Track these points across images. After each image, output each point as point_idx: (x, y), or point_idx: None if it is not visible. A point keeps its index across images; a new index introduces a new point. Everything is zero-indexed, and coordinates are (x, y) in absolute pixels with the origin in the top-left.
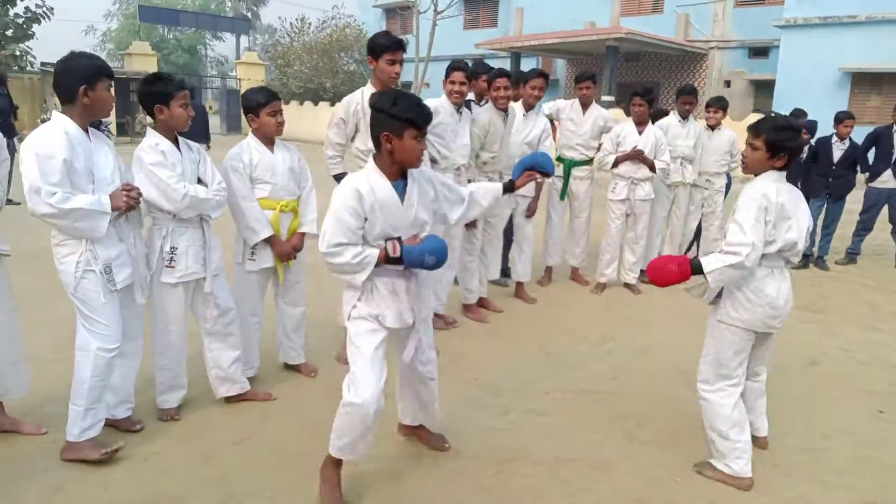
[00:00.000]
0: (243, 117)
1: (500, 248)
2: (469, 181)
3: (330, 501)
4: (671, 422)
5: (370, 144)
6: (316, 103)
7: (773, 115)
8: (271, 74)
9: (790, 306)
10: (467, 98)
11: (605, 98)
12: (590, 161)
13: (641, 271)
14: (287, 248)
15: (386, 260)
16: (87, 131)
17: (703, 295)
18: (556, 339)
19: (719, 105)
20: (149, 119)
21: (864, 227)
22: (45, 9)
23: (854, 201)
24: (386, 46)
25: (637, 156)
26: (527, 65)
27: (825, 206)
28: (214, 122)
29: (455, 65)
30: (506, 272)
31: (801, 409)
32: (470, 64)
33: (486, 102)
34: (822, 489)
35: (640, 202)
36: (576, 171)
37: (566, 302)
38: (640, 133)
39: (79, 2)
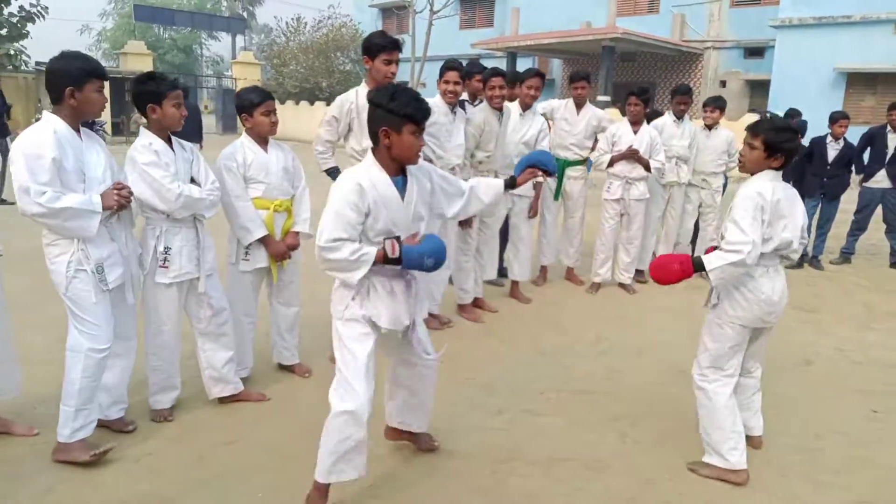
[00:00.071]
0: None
1: (496, 247)
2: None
3: None
4: (665, 421)
5: (365, 144)
6: (312, 103)
7: (768, 114)
8: (267, 74)
9: (785, 302)
10: (461, 98)
11: (601, 98)
12: (584, 161)
13: (637, 271)
14: (282, 248)
15: (384, 260)
16: (78, 131)
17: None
18: (551, 339)
19: (716, 105)
20: (144, 119)
21: (859, 226)
22: (39, 8)
23: (848, 201)
24: (382, 46)
25: (632, 155)
26: (523, 65)
27: (820, 205)
28: (210, 122)
29: (449, 64)
30: (503, 272)
31: (796, 409)
32: (464, 64)
33: (480, 102)
34: (816, 488)
35: (635, 202)
36: (570, 171)
37: (561, 302)
38: (635, 133)
39: (74, 1)
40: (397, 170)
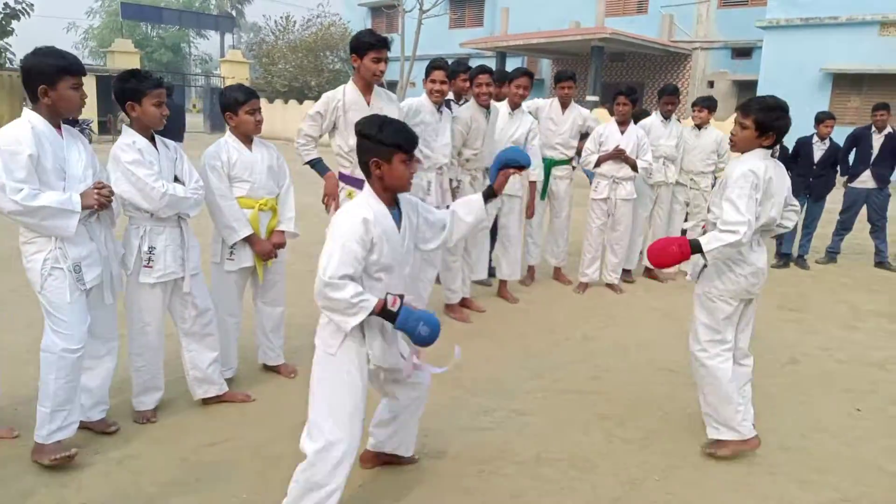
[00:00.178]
0: None
1: (486, 248)
2: (451, 180)
3: None
4: (651, 420)
5: (351, 143)
6: (301, 102)
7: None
8: (256, 73)
9: (766, 273)
10: (447, 98)
11: (589, 98)
12: (569, 160)
13: (624, 270)
14: (268, 247)
15: (381, 312)
16: (58, 128)
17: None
18: (539, 339)
19: (704, 104)
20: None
21: (844, 226)
22: (24, 5)
23: (834, 201)
24: (371, 44)
25: (619, 155)
26: (512, 64)
27: (805, 205)
28: (198, 121)
29: (436, 63)
30: (492, 272)
31: (781, 408)
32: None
33: (466, 102)
34: (802, 487)
35: (622, 202)
36: (556, 171)
37: (549, 301)
38: (622, 133)
39: None
40: (391, 200)
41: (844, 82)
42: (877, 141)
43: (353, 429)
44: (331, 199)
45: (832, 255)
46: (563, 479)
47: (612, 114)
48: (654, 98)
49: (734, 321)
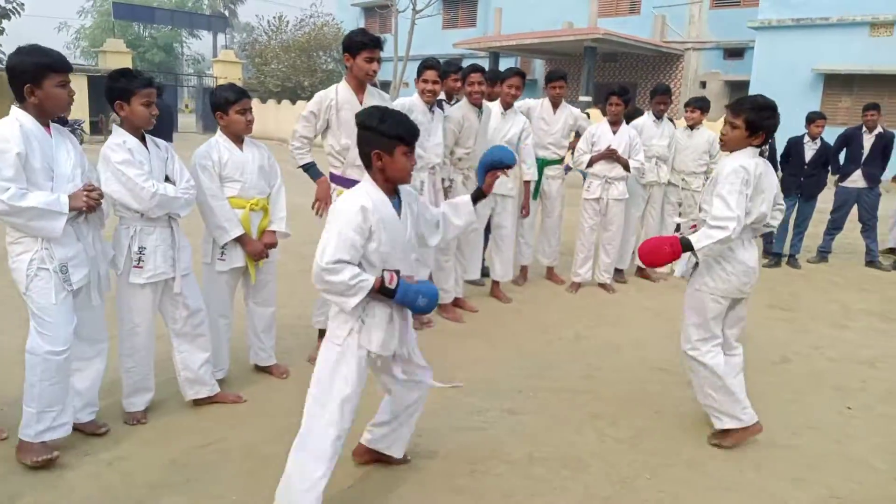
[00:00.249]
0: None
1: (479, 248)
2: (443, 180)
3: None
4: (643, 419)
5: (343, 142)
6: (294, 102)
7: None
8: (248, 73)
9: (757, 272)
10: (438, 98)
11: (582, 98)
12: (561, 160)
13: (617, 270)
14: (259, 247)
15: (380, 289)
16: (47, 127)
17: (685, 274)
18: (531, 338)
19: (697, 105)
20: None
21: (835, 226)
22: (14, 4)
23: (825, 201)
24: (363, 44)
25: (611, 155)
26: (505, 65)
27: (797, 205)
28: (190, 122)
29: (427, 63)
30: (485, 272)
31: (772, 405)
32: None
33: (456, 102)
34: (792, 485)
35: (614, 202)
36: (548, 171)
37: (541, 301)
38: (614, 133)
39: None
40: (391, 191)
41: (835, 83)
42: (867, 141)
43: (344, 414)
44: (322, 204)
45: (823, 254)
46: (554, 478)
47: (605, 114)
48: (647, 98)
49: (720, 321)
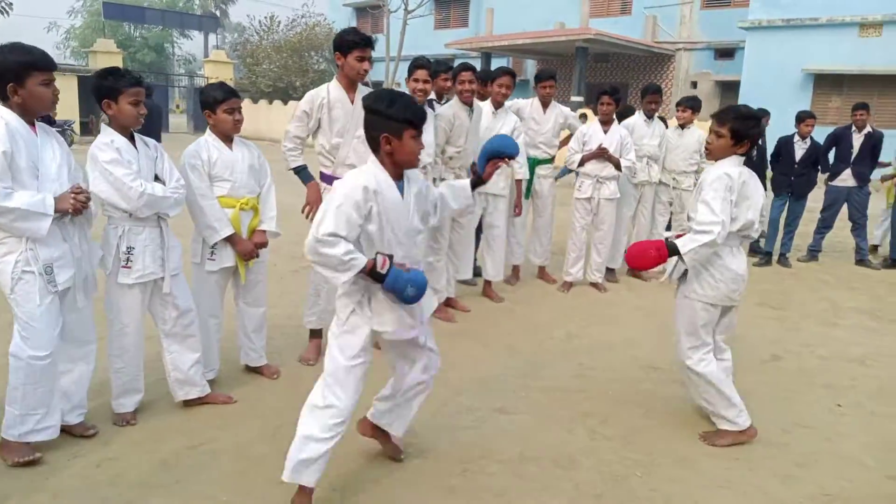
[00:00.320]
0: None
1: (471, 247)
2: (434, 179)
3: None
4: (634, 418)
5: (334, 141)
6: (285, 102)
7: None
8: (240, 73)
9: (746, 280)
10: (428, 98)
11: (574, 98)
12: (552, 159)
13: (608, 269)
14: (249, 247)
15: (370, 272)
16: (32, 126)
17: (673, 276)
18: (523, 338)
19: (687, 104)
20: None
21: (825, 224)
22: (3, 4)
23: (815, 200)
24: (355, 43)
25: (602, 154)
26: (497, 65)
27: (787, 204)
28: (181, 122)
29: (418, 62)
30: (477, 272)
31: (763, 404)
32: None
33: (447, 101)
34: (782, 482)
35: (606, 201)
36: (539, 170)
37: (533, 301)
38: (605, 132)
39: None
40: (398, 175)
41: (825, 83)
42: (857, 140)
43: (347, 391)
44: (312, 208)
45: (813, 253)
46: (546, 476)
47: (596, 114)
48: (638, 98)
49: (710, 328)
